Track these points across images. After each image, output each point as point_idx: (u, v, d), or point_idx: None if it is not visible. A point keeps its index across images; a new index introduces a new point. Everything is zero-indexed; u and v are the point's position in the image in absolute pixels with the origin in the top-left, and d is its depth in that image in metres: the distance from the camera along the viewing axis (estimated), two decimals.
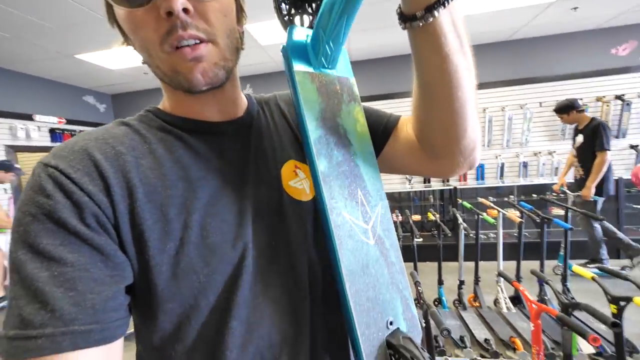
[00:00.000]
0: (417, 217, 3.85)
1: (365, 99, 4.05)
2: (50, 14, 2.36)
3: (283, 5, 0.42)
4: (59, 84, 4.05)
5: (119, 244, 0.35)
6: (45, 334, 0.29)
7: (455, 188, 3.79)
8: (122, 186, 0.36)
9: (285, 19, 0.43)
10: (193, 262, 0.37)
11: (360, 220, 0.40)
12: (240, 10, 0.44)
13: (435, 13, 0.32)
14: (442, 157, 0.47)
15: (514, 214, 2.39)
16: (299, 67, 0.40)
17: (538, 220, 2.27)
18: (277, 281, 0.42)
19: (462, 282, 2.46)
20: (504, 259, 2.41)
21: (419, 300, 1.51)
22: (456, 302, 2.44)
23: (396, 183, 4.13)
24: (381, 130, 0.52)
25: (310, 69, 0.41)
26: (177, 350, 0.38)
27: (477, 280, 2.43)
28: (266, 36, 3.07)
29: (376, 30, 3.18)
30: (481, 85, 3.76)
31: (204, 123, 0.44)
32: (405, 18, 0.34)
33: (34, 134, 3.68)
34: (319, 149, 0.39)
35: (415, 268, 2.36)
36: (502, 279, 2.09)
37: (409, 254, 2.41)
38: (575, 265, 1.62)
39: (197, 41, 0.36)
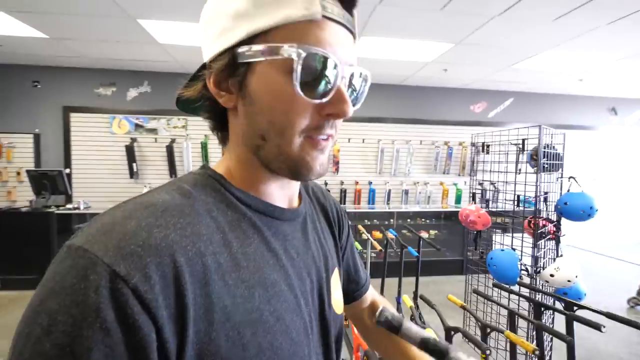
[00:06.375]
0: None
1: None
2: None
3: None
4: None
5: None
6: None
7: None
8: (199, 305, 0.29)
9: None
10: None
11: None
12: None
13: None
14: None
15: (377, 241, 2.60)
16: None
17: (398, 249, 2.49)
18: None
19: None
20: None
21: None
22: None
23: None
24: (353, 293, 0.63)
25: None
26: None
27: None
28: (165, 35, 2.91)
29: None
30: (378, 119, 4.31)
31: (275, 207, 0.42)
32: None
33: None
34: None
35: None
36: None
37: None
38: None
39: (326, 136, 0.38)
